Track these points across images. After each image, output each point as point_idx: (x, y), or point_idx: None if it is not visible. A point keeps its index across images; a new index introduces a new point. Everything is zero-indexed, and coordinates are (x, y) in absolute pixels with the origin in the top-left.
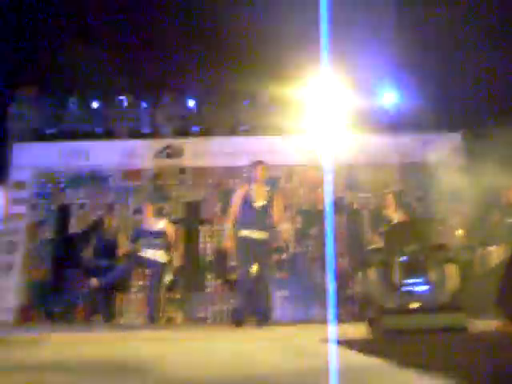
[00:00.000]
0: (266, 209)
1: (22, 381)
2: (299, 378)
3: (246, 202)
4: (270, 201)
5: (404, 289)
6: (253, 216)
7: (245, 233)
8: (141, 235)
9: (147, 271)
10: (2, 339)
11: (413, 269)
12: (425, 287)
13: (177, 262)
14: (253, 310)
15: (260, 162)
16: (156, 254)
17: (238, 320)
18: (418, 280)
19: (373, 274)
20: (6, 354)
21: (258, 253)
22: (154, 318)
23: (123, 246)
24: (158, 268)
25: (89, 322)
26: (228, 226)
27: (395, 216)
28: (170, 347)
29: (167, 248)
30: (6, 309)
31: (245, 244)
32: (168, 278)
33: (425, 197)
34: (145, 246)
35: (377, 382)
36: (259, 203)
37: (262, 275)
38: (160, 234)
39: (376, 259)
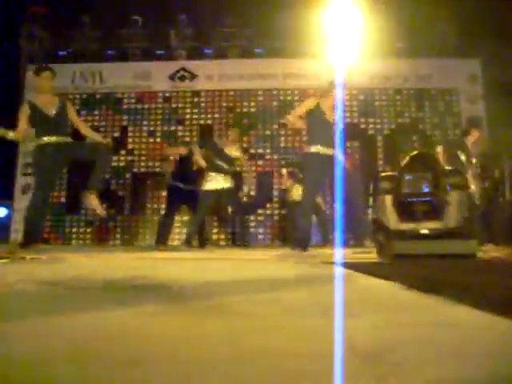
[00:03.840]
0: (334, 127)
1: (50, 295)
2: (302, 298)
3: (317, 116)
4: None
5: (414, 215)
6: (328, 131)
7: (317, 149)
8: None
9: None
10: (21, 258)
11: (424, 195)
12: (436, 214)
13: None
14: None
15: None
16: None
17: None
18: (429, 206)
19: (384, 200)
20: (26, 272)
21: (330, 172)
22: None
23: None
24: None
25: (104, 242)
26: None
27: None
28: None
29: None
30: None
31: (317, 162)
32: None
33: (441, 123)
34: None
35: (378, 300)
36: (331, 119)
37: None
38: None
39: (388, 186)
